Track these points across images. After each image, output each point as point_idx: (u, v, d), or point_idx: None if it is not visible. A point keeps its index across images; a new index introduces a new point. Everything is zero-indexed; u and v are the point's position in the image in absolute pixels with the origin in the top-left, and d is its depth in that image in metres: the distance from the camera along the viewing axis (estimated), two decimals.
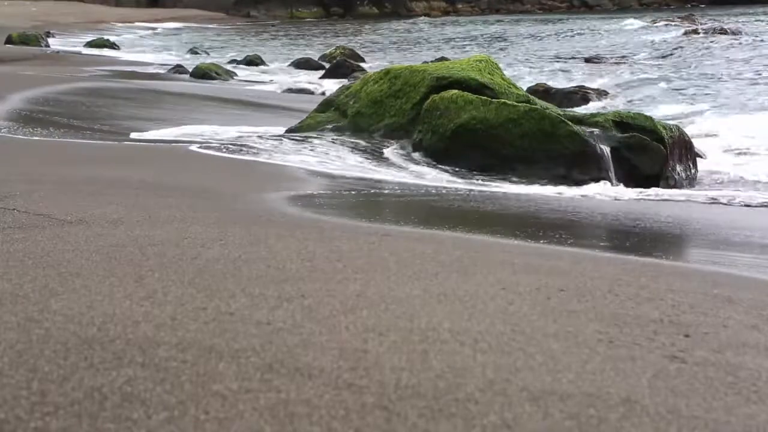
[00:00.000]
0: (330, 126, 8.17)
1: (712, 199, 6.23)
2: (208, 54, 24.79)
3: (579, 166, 6.86)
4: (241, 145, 7.26)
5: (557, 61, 23.23)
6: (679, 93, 14.48)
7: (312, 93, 14.89)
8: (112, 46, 27.23)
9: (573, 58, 24.01)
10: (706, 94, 14.01)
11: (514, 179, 6.81)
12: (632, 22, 35.06)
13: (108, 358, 2.00)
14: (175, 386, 1.86)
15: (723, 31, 26.49)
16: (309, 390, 1.88)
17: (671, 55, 22.16)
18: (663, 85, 15.79)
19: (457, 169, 7.06)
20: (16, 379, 1.86)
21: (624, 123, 7.21)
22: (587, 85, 15.79)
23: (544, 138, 6.92)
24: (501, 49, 28.28)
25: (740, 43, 23.11)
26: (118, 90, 12.08)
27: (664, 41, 25.18)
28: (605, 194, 6.31)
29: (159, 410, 1.75)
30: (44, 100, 10.01)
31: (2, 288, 2.54)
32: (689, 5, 56.37)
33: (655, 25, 32.35)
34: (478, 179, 6.85)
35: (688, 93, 14.38)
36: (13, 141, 6.88)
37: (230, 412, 1.76)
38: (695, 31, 26.96)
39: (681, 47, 23.19)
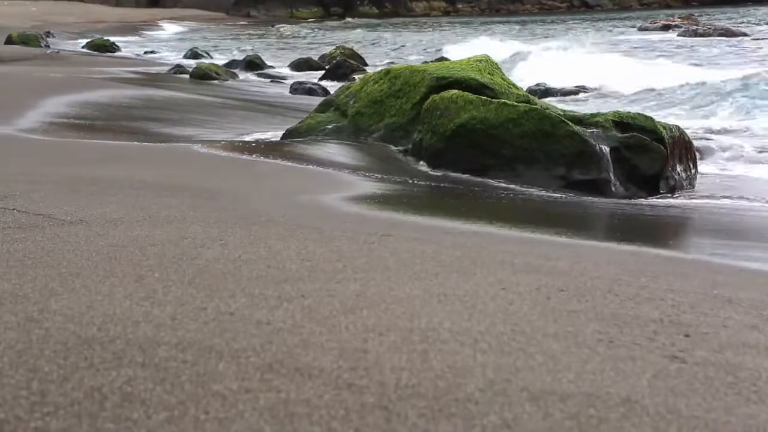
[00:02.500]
0: (330, 126, 8.16)
1: None
2: (210, 55, 24.78)
3: (579, 166, 6.85)
4: (242, 146, 7.27)
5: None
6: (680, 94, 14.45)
7: (314, 93, 14.90)
8: (112, 46, 27.23)
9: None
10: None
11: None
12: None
13: (108, 358, 2.00)
14: (175, 386, 1.86)
15: (724, 32, 26.39)
16: (309, 390, 1.88)
17: (673, 56, 22.14)
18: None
19: (456, 168, 7.05)
20: (16, 379, 1.86)
21: (624, 123, 7.19)
22: (587, 85, 15.78)
23: (543, 138, 6.91)
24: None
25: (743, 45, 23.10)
26: (141, 99, 12.07)
27: (664, 42, 25.17)
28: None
29: (159, 410, 1.75)
30: (88, 105, 9.95)
31: (2, 288, 2.54)
32: (690, 5, 56.26)
33: (654, 25, 32.30)
34: (477, 179, 6.85)
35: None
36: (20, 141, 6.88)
37: (230, 412, 1.76)
38: (695, 32, 26.90)
39: (682, 48, 23.17)
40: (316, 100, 10.39)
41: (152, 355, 2.03)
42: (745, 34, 27.38)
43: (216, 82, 16.39)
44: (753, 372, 2.18)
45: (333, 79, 17.47)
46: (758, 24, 32.75)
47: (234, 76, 17.78)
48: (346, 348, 2.14)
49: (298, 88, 15.32)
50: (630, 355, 2.23)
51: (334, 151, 7.43)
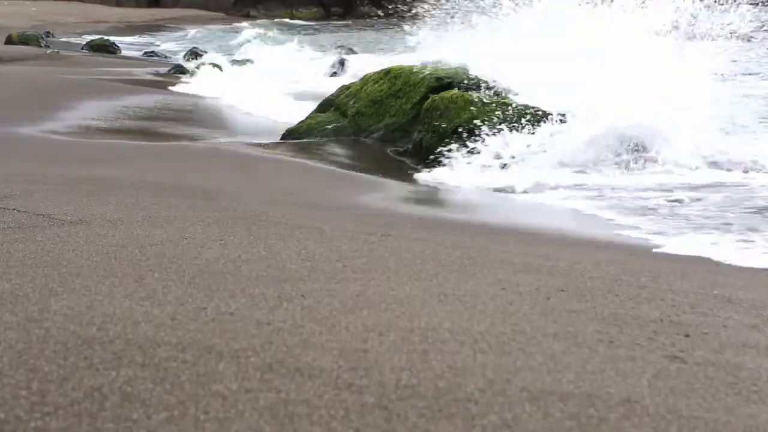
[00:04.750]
0: (330, 126, 8.17)
1: None
2: (207, 54, 24.75)
3: None
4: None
5: None
6: None
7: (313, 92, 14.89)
8: (112, 46, 27.19)
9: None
10: None
11: None
12: None
13: (108, 358, 2.00)
14: (175, 386, 1.86)
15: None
16: (309, 390, 1.88)
17: None
18: None
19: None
20: (16, 379, 1.86)
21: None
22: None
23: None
24: None
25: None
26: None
27: None
28: None
29: (159, 410, 1.75)
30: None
31: (2, 288, 2.54)
32: None
33: None
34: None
35: None
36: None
37: (230, 412, 1.76)
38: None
39: None
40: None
41: (152, 355, 2.03)
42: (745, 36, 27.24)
43: None
44: (753, 372, 2.18)
45: (333, 78, 17.47)
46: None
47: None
48: (346, 348, 2.14)
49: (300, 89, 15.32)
50: (630, 355, 2.23)
51: (334, 150, 7.44)
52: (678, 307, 2.77)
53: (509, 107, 7.11)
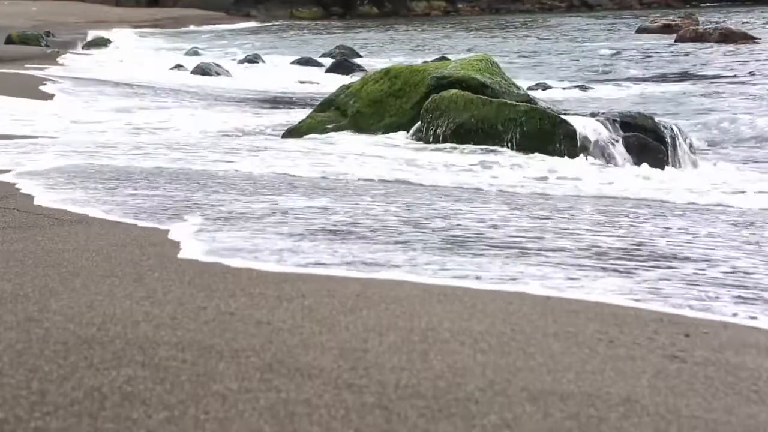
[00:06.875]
0: (330, 126, 8.17)
1: None
2: (204, 52, 24.79)
3: None
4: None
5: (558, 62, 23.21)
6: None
7: (314, 93, 14.92)
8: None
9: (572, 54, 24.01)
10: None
11: None
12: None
13: (108, 357, 2.00)
14: (175, 386, 1.86)
15: (725, 33, 25.82)
16: (309, 390, 1.88)
17: (673, 59, 22.06)
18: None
19: None
20: (16, 379, 1.86)
21: (624, 123, 7.21)
22: (587, 85, 15.77)
23: (544, 137, 6.92)
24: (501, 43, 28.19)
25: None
26: None
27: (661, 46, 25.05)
28: None
29: (159, 410, 1.75)
30: None
31: (2, 288, 2.54)
32: (691, 5, 56.09)
33: (654, 25, 32.10)
34: None
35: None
36: None
37: (230, 412, 1.76)
38: (696, 33, 26.63)
39: (685, 54, 23.01)
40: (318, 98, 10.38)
41: (152, 354, 2.03)
42: (746, 35, 27.11)
43: (220, 77, 16.56)
44: (753, 372, 2.18)
45: (333, 77, 17.50)
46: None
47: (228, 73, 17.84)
48: (346, 348, 2.14)
49: (300, 90, 15.32)
50: (630, 355, 2.23)
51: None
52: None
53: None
